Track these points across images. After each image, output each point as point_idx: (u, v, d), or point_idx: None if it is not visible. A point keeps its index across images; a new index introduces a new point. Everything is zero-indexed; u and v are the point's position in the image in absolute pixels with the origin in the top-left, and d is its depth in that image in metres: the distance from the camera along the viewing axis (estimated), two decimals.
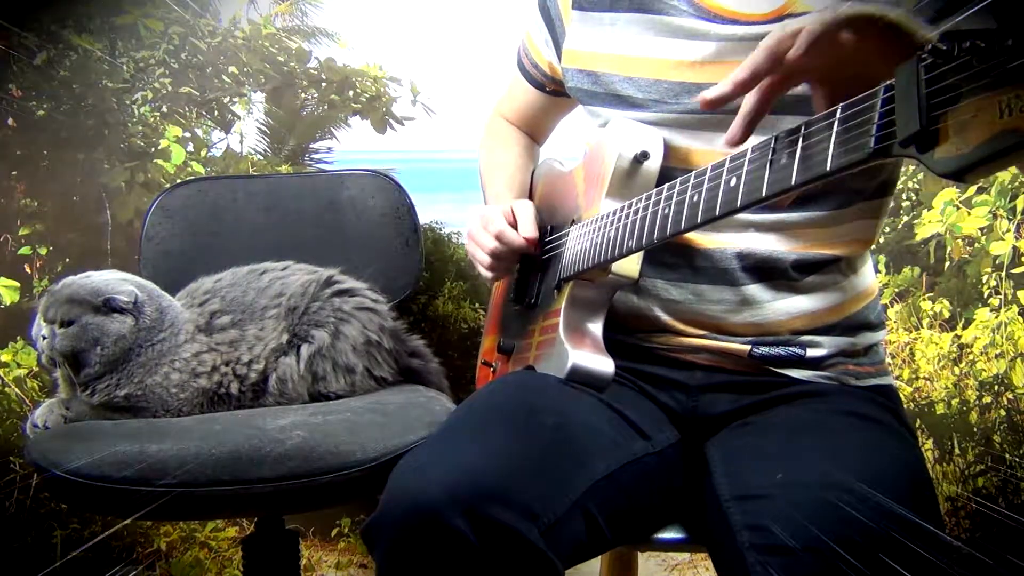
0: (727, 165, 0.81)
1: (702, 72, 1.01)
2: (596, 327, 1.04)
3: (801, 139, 0.72)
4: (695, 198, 0.84)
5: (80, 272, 1.30)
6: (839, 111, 0.69)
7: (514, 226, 1.14)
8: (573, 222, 1.09)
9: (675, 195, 0.88)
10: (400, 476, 0.86)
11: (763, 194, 0.76)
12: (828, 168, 0.69)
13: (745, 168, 0.78)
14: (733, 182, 0.79)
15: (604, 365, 1.00)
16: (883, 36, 0.74)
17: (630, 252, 0.95)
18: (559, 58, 1.17)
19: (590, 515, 0.90)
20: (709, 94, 0.79)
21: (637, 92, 1.05)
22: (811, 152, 0.71)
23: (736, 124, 0.80)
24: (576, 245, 1.05)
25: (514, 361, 1.17)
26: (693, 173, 0.86)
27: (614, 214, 0.98)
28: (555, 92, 1.26)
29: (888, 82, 0.64)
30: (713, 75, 1.01)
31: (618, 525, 0.95)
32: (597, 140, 1.07)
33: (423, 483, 0.82)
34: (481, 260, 1.17)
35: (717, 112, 1.00)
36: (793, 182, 0.73)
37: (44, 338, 1.24)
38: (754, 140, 0.79)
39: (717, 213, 0.81)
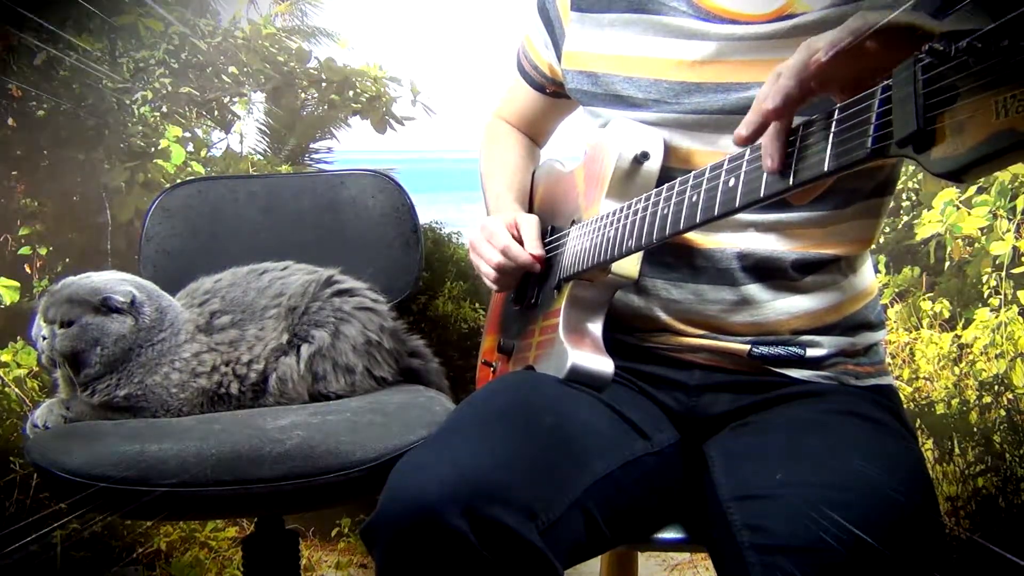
0: (725, 166, 0.81)
1: (702, 72, 1.01)
2: (596, 327, 1.04)
3: (799, 140, 0.72)
4: (694, 198, 0.84)
5: (80, 272, 1.30)
6: (836, 112, 0.69)
7: (518, 240, 1.13)
8: (573, 222, 1.09)
9: (674, 195, 0.88)
10: (399, 476, 0.86)
11: (761, 194, 0.76)
12: (826, 168, 0.69)
13: (744, 168, 0.78)
14: (732, 182, 0.79)
15: (604, 365, 1.00)
16: (904, 43, 0.73)
17: (629, 252, 0.95)
18: (559, 60, 1.17)
19: (589, 515, 0.90)
20: (743, 130, 0.77)
21: (637, 92, 1.05)
22: (809, 153, 0.71)
23: (750, 125, 0.77)
24: (576, 245, 1.05)
25: (514, 361, 1.17)
26: (692, 174, 0.86)
27: (614, 214, 0.98)
28: (555, 94, 1.26)
29: (886, 82, 0.64)
30: (713, 75, 1.01)
31: (617, 525, 0.95)
32: (597, 140, 1.07)
33: (422, 483, 0.82)
34: (487, 273, 1.17)
35: (717, 113, 1.00)
36: (791, 182, 0.73)
37: (44, 338, 1.24)
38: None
39: (716, 213, 0.81)
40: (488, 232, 1.15)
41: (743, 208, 0.79)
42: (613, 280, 1.01)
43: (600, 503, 0.92)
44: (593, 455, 0.94)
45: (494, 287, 1.19)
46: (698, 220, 0.84)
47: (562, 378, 0.99)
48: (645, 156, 1.01)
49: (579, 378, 0.99)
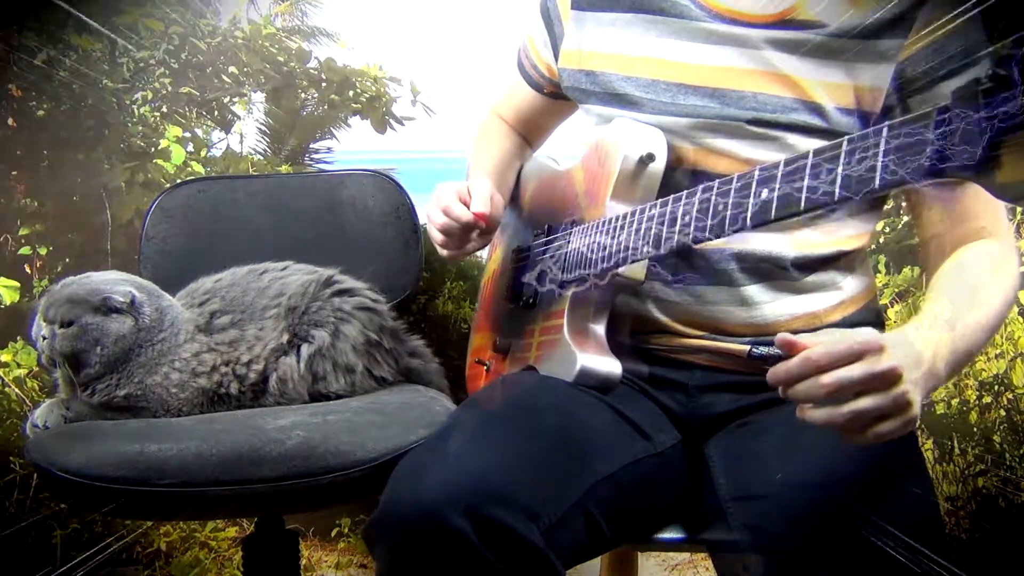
0: (757, 176, 0.81)
1: (699, 74, 1.02)
2: (599, 328, 1.03)
3: (843, 155, 0.73)
4: (720, 207, 0.84)
5: (80, 272, 1.30)
6: (886, 131, 0.70)
7: (467, 204, 1.15)
8: (574, 222, 1.09)
9: (696, 202, 0.87)
10: (401, 476, 0.86)
11: (801, 207, 0.77)
12: (876, 185, 0.70)
13: (779, 180, 0.79)
14: (765, 194, 0.80)
15: (611, 366, 1.00)
16: None
17: (645, 257, 0.94)
18: (556, 60, 1.18)
19: (590, 515, 0.90)
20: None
21: (635, 91, 1.05)
22: (856, 169, 0.72)
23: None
24: (580, 246, 1.05)
25: (511, 360, 1.16)
26: (717, 181, 0.86)
27: (625, 217, 0.98)
28: (553, 95, 1.26)
29: (943, 104, 0.64)
30: (709, 78, 1.01)
31: (618, 525, 0.95)
32: (599, 140, 1.07)
33: (423, 483, 0.82)
34: (433, 236, 1.21)
35: (712, 118, 1.01)
36: (836, 197, 0.73)
37: (44, 338, 1.24)
38: (783, 154, 0.80)
39: (749, 223, 0.82)
40: (436, 196, 1.19)
41: (778, 219, 0.80)
42: (620, 282, 1.01)
43: (601, 503, 0.92)
44: (594, 456, 0.94)
45: (442, 251, 1.22)
46: (727, 230, 0.84)
47: (571, 380, 0.99)
48: (651, 157, 1.01)
49: (588, 380, 0.99)
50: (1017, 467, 1.91)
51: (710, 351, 1.04)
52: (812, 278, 1.03)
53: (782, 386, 0.79)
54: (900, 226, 2.21)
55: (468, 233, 1.17)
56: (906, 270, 2.49)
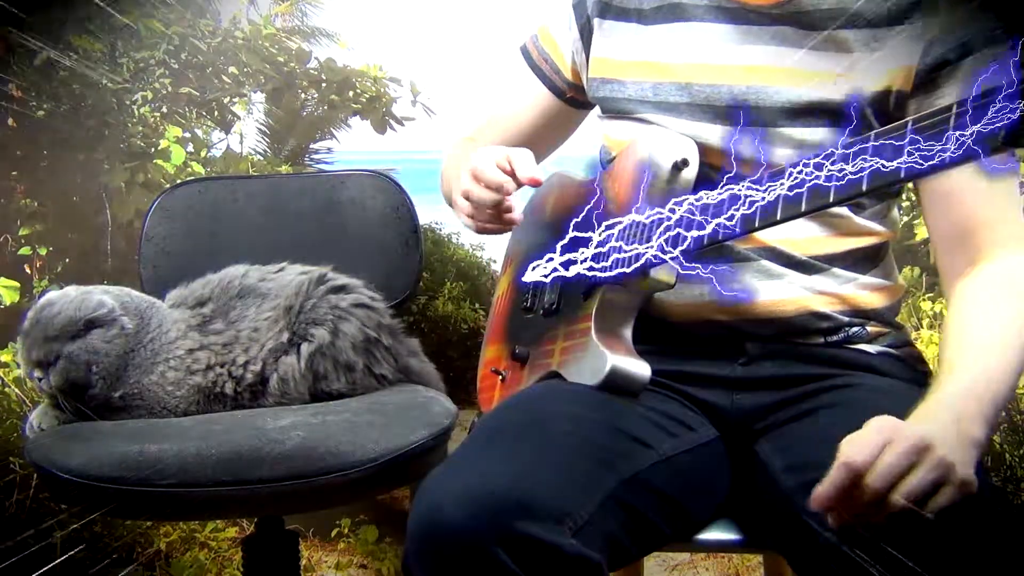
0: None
1: (708, 71, 1.03)
2: (627, 332, 1.02)
3: (871, 148, 0.75)
4: (746, 202, 0.85)
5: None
6: (910, 123, 0.73)
7: (511, 172, 1.03)
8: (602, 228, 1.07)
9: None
10: (424, 501, 0.84)
11: (830, 199, 0.79)
12: (903, 176, 0.72)
13: (807, 172, 0.80)
14: (794, 188, 0.81)
15: (641, 368, 0.99)
16: None
17: (671, 256, 0.94)
18: (569, 62, 1.17)
19: (624, 513, 0.89)
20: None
21: (641, 95, 1.07)
22: (884, 160, 0.73)
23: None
24: (609, 251, 1.02)
25: (531, 368, 1.13)
26: (748, 180, 0.86)
27: (652, 220, 0.96)
28: (573, 100, 1.20)
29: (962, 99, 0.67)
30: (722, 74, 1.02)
31: (656, 523, 0.94)
32: (630, 148, 1.06)
33: (446, 507, 0.81)
34: (462, 207, 1.07)
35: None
36: (864, 187, 0.75)
37: (38, 379, 1.22)
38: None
39: (779, 217, 0.83)
40: (471, 163, 1.03)
41: (808, 212, 0.81)
42: (652, 284, 1.00)
43: (631, 502, 0.90)
44: (618, 456, 0.92)
45: (472, 227, 1.08)
46: (757, 224, 0.85)
47: (600, 381, 0.98)
48: (685, 163, 1.01)
49: (618, 380, 0.97)
50: (1017, 467, 1.91)
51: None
52: (816, 277, 1.03)
53: (835, 506, 0.76)
54: (900, 226, 2.21)
55: (499, 207, 1.04)
56: (906, 270, 2.49)
